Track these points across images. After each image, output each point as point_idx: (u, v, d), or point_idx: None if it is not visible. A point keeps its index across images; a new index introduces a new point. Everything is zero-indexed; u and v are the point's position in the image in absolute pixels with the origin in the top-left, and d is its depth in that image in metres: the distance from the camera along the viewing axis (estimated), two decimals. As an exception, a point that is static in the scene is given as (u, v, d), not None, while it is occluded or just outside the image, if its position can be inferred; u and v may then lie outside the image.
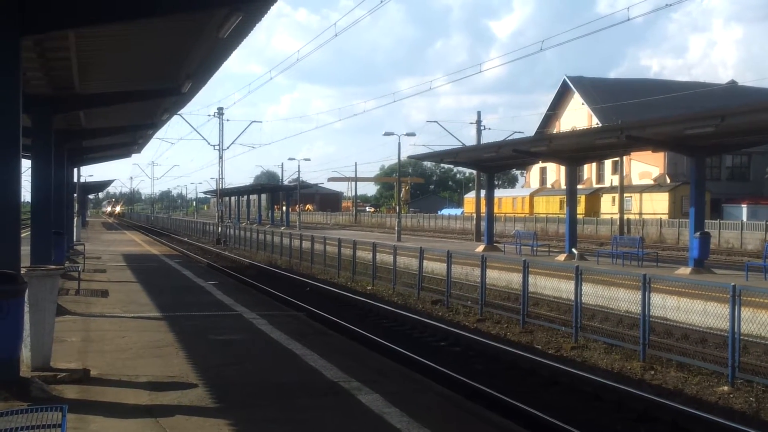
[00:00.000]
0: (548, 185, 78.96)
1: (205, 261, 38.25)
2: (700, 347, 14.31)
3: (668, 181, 62.74)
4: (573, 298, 16.58)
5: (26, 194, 31.88)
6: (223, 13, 11.26)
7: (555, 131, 71.39)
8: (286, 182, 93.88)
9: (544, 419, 10.37)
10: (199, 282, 22.66)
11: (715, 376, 12.89)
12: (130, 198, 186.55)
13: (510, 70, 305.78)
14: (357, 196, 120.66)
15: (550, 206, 69.34)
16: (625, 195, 55.91)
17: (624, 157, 51.69)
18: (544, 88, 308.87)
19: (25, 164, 23.73)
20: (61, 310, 13.74)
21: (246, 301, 18.27)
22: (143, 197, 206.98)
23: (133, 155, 46.44)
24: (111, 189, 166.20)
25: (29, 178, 16.54)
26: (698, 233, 23.37)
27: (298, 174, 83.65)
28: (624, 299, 16.66)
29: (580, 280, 16.45)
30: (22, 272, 9.04)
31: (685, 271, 23.29)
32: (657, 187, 61.87)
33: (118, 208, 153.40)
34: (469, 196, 77.98)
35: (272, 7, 11.29)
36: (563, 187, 46.20)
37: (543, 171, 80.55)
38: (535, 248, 32.06)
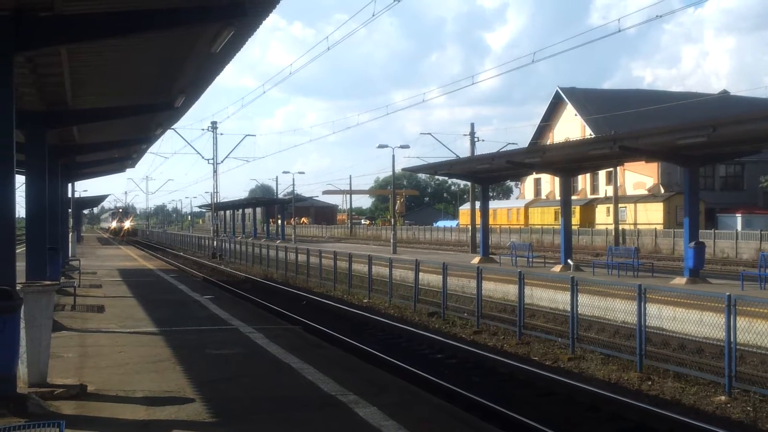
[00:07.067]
0: (543, 196, 79.08)
1: (200, 275, 38.19)
2: (697, 357, 14.31)
3: (662, 191, 62.90)
4: (569, 309, 16.56)
5: (21, 210, 31.82)
6: (215, 28, 11.30)
7: (548, 142, 71.64)
8: (280, 195, 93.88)
9: (541, 430, 10.36)
10: (195, 296, 22.61)
11: (713, 386, 12.89)
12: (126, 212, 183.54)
13: (504, 81, 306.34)
14: (352, 208, 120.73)
15: (545, 217, 69.41)
16: (620, 205, 56.08)
17: (618, 168, 51.98)
18: (538, 99, 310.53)
19: (19, 180, 23.69)
20: (57, 325, 13.71)
21: (242, 315, 18.23)
22: (138, 212, 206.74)
23: (128, 170, 46.34)
24: (105, 204, 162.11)
25: (23, 194, 16.55)
26: (693, 243, 23.37)
27: (293, 187, 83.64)
28: (620, 310, 16.65)
29: (576, 291, 16.46)
30: (17, 288, 9.03)
31: (680, 281, 23.30)
32: (651, 197, 62.01)
33: (126, 224, 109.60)
34: (464, 208, 78.06)
35: (266, 21, 11.36)
36: (558, 198, 46.29)
37: (537, 182, 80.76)
38: (530, 259, 32.08)
